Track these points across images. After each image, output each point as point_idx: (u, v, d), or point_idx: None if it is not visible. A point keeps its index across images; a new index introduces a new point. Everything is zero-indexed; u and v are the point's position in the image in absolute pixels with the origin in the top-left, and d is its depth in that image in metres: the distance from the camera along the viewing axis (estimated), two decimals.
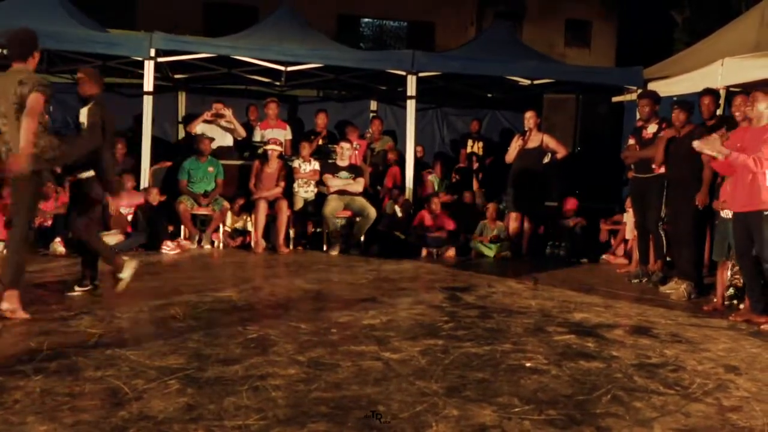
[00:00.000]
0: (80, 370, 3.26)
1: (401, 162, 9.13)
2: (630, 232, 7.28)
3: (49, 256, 7.00)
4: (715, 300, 5.45)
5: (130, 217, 7.65)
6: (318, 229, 8.48)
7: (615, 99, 9.55)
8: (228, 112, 8.81)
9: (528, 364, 3.64)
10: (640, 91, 8.93)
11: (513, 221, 8.11)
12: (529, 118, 8.05)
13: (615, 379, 3.44)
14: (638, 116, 6.86)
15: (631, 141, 6.73)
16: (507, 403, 3.03)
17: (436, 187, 9.38)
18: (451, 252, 8.07)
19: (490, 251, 8.17)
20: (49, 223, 7.36)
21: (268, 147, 8.21)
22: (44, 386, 3.03)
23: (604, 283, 6.42)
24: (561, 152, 8.08)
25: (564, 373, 3.50)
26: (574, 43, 21.36)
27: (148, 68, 8.00)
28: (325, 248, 8.05)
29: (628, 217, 7.32)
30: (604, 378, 3.44)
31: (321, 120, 9.56)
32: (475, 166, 9.92)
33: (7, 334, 3.90)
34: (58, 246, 7.09)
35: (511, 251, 8.09)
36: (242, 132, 8.94)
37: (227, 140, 8.98)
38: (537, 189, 7.99)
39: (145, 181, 8.01)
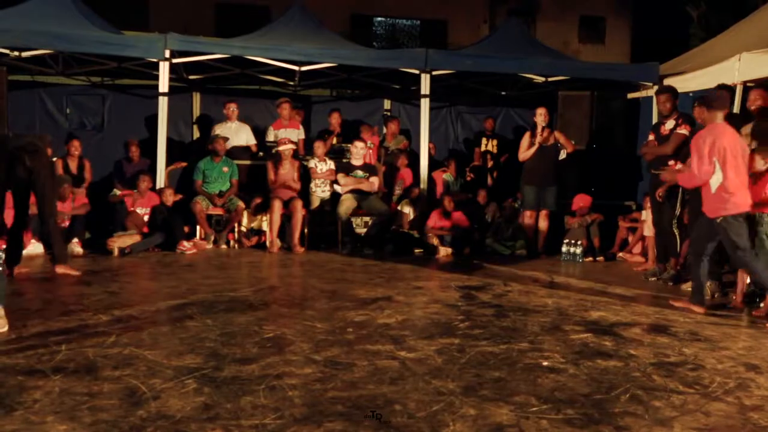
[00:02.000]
0: (98, 370, 3.29)
1: (413, 163, 9.13)
2: (648, 229, 7.21)
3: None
4: (734, 298, 5.39)
5: (146, 218, 7.70)
6: (333, 229, 8.48)
7: (630, 95, 9.48)
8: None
9: (545, 363, 3.62)
10: (656, 87, 8.88)
11: (528, 219, 8.07)
12: (544, 114, 7.99)
13: (633, 378, 3.41)
14: (662, 113, 6.72)
15: (651, 137, 6.67)
16: (524, 402, 3.02)
17: (451, 186, 9.36)
18: (465, 251, 8.04)
19: (505, 249, 8.14)
20: (67, 224, 7.42)
21: (280, 148, 8.22)
22: (63, 386, 3.05)
23: (621, 282, 6.37)
24: (568, 148, 8.03)
25: (581, 372, 3.48)
26: (588, 40, 21.23)
27: (163, 69, 8.04)
28: (339, 247, 8.05)
29: (646, 215, 7.26)
30: (623, 377, 3.41)
31: (334, 119, 9.58)
32: (490, 164, 9.88)
33: (26, 333, 3.94)
34: (76, 246, 7.15)
35: (526, 249, 8.05)
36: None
37: (240, 140, 9.02)
38: (552, 186, 7.94)
39: (161, 182, 8.05)
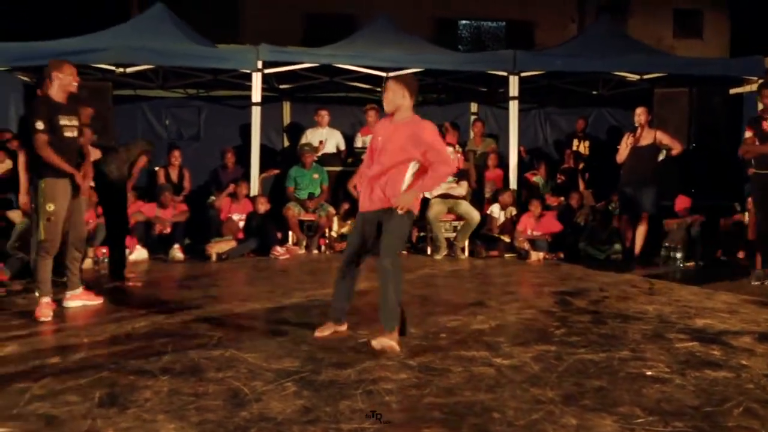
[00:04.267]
0: (203, 371, 3.41)
1: (503, 164, 9.02)
2: (753, 232, 6.82)
3: (168, 262, 7.38)
4: None
5: (241, 224, 7.95)
6: (422, 234, 8.50)
7: (733, 91, 9.00)
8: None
9: (649, 373, 3.47)
10: (761, 81, 8.39)
11: (625, 222, 7.78)
12: (640, 114, 7.67)
13: (746, 390, 3.22)
14: (759, 107, 6.36)
15: (748, 134, 6.27)
16: (628, 413, 2.91)
17: (541, 189, 9.17)
18: (558, 255, 7.85)
19: (600, 254, 7.89)
20: (168, 230, 7.75)
21: None
22: (171, 386, 3.18)
23: (727, 287, 6.04)
24: (676, 148, 7.66)
25: (689, 383, 3.32)
26: (683, 35, 20.32)
27: (256, 80, 8.29)
28: (429, 252, 8.04)
29: (750, 217, 6.86)
30: (734, 389, 3.23)
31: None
32: (581, 166, 9.61)
33: (135, 335, 4.14)
34: (177, 252, 7.46)
35: (622, 254, 7.77)
36: None
37: (331, 146, 9.18)
38: (651, 188, 7.61)
39: (254, 189, 8.29)
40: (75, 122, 4.82)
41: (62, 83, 4.70)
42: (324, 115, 9.19)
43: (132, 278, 6.03)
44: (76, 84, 4.79)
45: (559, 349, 3.91)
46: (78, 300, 5.01)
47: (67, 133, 4.74)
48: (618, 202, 7.98)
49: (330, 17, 18.01)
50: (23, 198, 5.87)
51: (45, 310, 4.61)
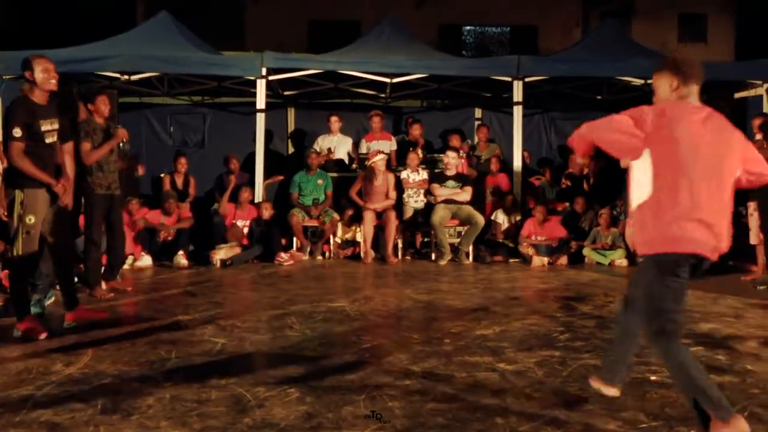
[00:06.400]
0: (206, 378, 3.40)
1: (507, 170, 9.01)
2: (755, 236, 6.78)
3: (173, 268, 7.39)
4: None
5: (246, 230, 7.96)
6: (426, 239, 8.49)
7: (738, 95, 8.99)
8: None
9: (653, 378, 3.45)
10: (767, 85, 8.40)
11: (630, 227, 7.75)
12: None
13: (752, 394, 3.20)
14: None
15: (758, 136, 6.26)
16: (633, 418, 2.90)
17: (546, 194, 9.16)
18: (562, 260, 7.84)
19: (604, 259, 7.87)
20: (172, 237, 7.76)
21: (371, 161, 8.24)
22: (174, 393, 3.18)
23: (733, 292, 6.02)
24: None
25: None
26: (688, 39, 20.31)
27: (260, 87, 8.32)
28: (433, 257, 8.03)
29: (753, 222, 6.83)
30: (740, 393, 3.21)
31: (416, 131, 9.56)
32: (586, 171, 9.58)
33: (139, 342, 4.14)
34: (181, 258, 7.47)
35: (627, 258, 7.76)
36: None
37: (341, 153, 9.20)
38: None
39: (259, 196, 8.31)
40: (56, 126, 4.35)
41: (37, 82, 4.22)
42: (335, 122, 9.20)
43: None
44: (54, 81, 4.27)
45: (563, 354, 3.90)
46: (72, 320, 4.52)
47: (49, 140, 4.28)
48: (623, 206, 7.97)
49: (334, 24, 18.09)
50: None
51: (27, 330, 4.20)
